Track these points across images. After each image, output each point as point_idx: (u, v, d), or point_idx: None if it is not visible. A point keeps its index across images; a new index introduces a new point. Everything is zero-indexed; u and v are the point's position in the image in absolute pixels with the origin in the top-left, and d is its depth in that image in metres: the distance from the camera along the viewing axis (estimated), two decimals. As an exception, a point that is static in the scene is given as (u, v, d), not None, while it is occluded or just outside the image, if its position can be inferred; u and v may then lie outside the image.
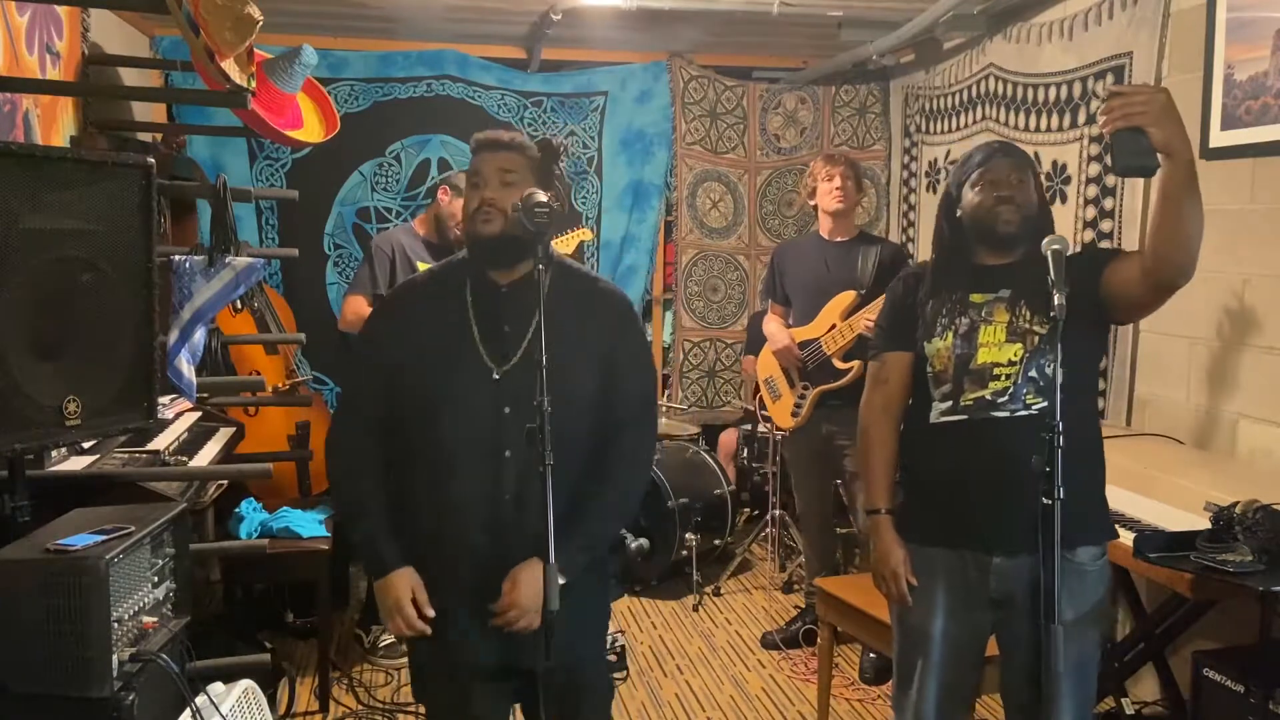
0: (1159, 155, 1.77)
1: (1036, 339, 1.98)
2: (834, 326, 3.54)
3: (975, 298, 2.06)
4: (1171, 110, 1.75)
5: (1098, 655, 2.08)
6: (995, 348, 2.01)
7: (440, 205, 3.61)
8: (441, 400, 1.85)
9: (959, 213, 2.09)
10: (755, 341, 5.01)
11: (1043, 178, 3.85)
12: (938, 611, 2.08)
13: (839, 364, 3.55)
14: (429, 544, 1.88)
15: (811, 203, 3.73)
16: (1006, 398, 1.99)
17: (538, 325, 1.72)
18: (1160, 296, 1.96)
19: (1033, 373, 1.98)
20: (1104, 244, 3.52)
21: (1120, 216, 3.47)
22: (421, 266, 3.40)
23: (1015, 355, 1.99)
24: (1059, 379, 1.82)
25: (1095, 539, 2.03)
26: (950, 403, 2.04)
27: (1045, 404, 1.95)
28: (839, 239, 3.67)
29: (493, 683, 1.92)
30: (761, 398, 3.97)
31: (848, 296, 3.53)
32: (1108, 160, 3.51)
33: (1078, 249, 3.47)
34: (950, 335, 2.05)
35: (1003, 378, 1.99)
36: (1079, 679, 2.00)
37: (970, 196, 2.06)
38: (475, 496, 1.83)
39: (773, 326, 3.75)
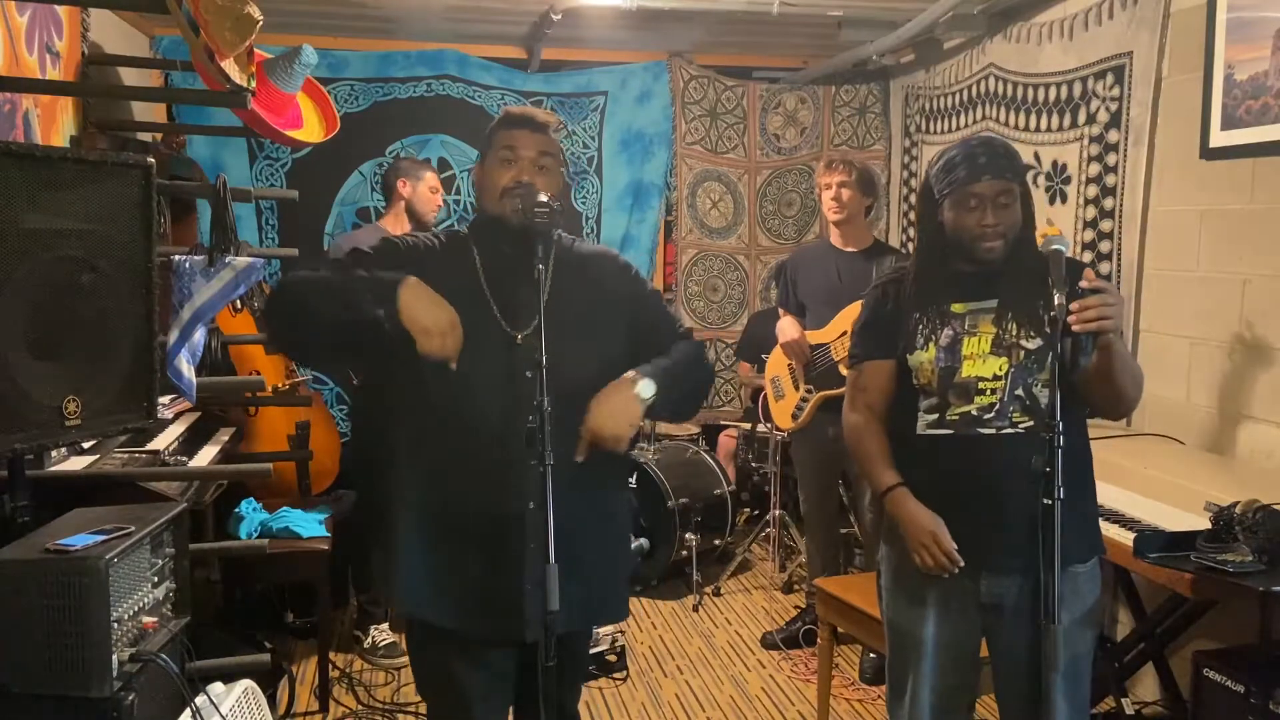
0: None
1: (1023, 354, 1.94)
2: (845, 333, 3.52)
3: (956, 307, 2.00)
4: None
5: (1091, 657, 2.07)
6: (980, 360, 1.96)
7: (409, 198, 3.56)
8: (465, 364, 1.77)
9: (941, 218, 2.00)
10: (749, 344, 5.01)
11: (1042, 177, 3.85)
12: (928, 616, 2.06)
13: (845, 371, 3.53)
14: (452, 514, 1.83)
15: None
16: (993, 414, 1.95)
17: (551, 290, 1.74)
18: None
19: (1019, 391, 1.93)
20: (1104, 244, 3.52)
21: (1120, 216, 3.46)
22: None
23: (1000, 370, 1.94)
24: (1056, 380, 1.80)
25: (1083, 556, 2.02)
26: (936, 415, 2.00)
27: (1033, 424, 1.92)
28: (850, 249, 3.59)
29: (496, 654, 1.89)
30: (765, 396, 3.96)
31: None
32: (1108, 161, 3.51)
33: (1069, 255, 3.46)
34: (932, 347, 2.00)
35: (988, 392, 1.95)
36: (1073, 681, 1.99)
37: (952, 215, 1.97)
38: (503, 465, 1.78)
39: (785, 321, 3.72)
